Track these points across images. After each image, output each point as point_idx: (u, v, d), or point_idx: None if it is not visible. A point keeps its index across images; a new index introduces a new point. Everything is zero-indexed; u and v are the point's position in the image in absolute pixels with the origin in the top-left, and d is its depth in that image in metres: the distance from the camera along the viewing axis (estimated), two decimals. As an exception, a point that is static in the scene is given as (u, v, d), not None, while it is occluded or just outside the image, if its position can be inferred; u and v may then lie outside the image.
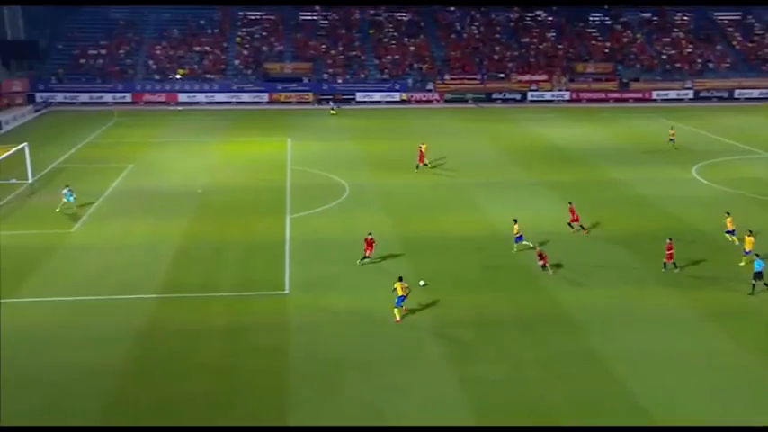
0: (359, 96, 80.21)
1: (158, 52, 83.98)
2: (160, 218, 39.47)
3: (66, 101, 77.57)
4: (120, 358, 25.11)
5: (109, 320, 27.68)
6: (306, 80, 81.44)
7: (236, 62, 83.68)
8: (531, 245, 34.44)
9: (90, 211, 40.66)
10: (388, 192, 44.66)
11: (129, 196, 43.54)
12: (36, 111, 72.33)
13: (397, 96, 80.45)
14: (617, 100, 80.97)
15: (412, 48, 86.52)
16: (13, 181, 45.68)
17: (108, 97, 78.02)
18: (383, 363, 25.12)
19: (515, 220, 35.37)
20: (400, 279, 28.63)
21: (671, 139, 56.74)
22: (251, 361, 25.18)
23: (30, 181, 45.97)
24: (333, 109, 74.44)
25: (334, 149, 55.93)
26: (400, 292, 27.94)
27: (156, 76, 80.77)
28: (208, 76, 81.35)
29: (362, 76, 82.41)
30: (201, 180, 47.07)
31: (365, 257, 32.77)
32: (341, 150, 55.51)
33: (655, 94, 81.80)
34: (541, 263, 32.41)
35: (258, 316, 28.18)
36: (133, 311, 28.38)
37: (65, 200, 40.11)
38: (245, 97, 79.25)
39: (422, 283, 30.44)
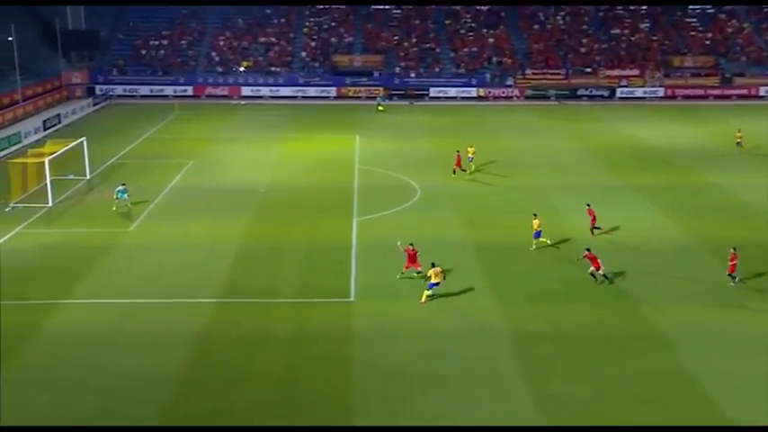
0: (432, 92, 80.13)
1: (221, 43, 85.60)
2: (220, 217, 40.20)
3: (126, 93, 79.87)
4: (177, 364, 25.62)
5: (165, 324, 28.29)
6: (376, 74, 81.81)
7: (303, 54, 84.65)
8: (549, 242, 35.00)
9: (148, 209, 41.69)
10: (462, 194, 44.44)
11: (189, 194, 44.48)
12: (95, 104, 74.64)
13: (473, 92, 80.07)
14: (718, 97, 78.76)
15: (491, 40, 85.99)
16: (71, 177, 47.22)
17: (169, 90, 79.99)
18: (453, 378, 24.97)
19: (535, 215, 35.82)
20: (433, 265, 30.08)
21: (738, 143, 54.78)
22: (313, 371, 25.37)
23: (87, 177, 47.44)
24: (380, 104, 73.85)
25: (405, 148, 56.00)
26: (433, 279, 29.65)
27: (219, 69, 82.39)
28: (273, 68, 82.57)
29: (437, 70, 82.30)
30: (264, 178, 47.76)
31: (405, 273, 31.46)
32: (412, 149, 55.54)
33: (762, 91, 79.16)
34: (593, 268, 31.43)
35: (321, 324, 28.38)
36: (190, 315, 28.92)
37: (117, 197, 41.25)
38: (312, 92, 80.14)
39: (399, 243, 32.14)
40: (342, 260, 34.23)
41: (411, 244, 32.33)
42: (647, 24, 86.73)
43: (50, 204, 41.81)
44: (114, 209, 41.08)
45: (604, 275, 31.70)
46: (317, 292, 31.04)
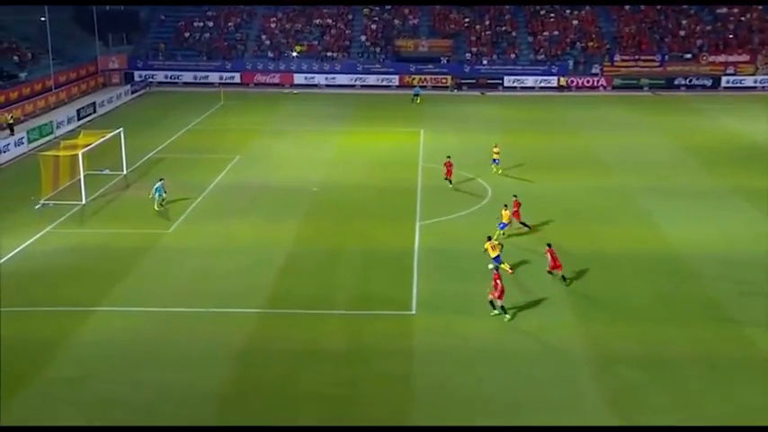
0: (507, 81, 79.82)
1: (273, 25, 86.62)
2: (268, 219, 40.63)
3: (168, 80, 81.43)
4: (217, 380, 25.95)
5: (205, 336, 28.68)
6: (444, 60, 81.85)
7: (363, 38, 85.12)
8: (504, 234, 36.94)
9: (189, 208, 42.37)
10: (539, 196, 44.10)
11: (234, 192, 45.08)
12: (134, 91, 76.24)
13: (553, 81, 79.48)
14: None
15: (575, 22, 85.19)
16: (106, 172, 48.28)
17: (214, 77, 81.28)
18: (526, 405, 24.76)
19: (506, 206, 37.77)
20: (489, 239, 33.82)
21: None
22: (369, 392, 25.44)
23: (124, 173, 48.45)
24: (417, 95, 73.23)
25: (475, 144, 55.82)
26: (492, 253, 32.84)
27: (270, 54, 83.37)
28: (329, 54, 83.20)
29: (513, 56, 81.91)
30: (317, 176, 48.13)
31: (498, 305, 30.17)
32: (483, 145, 55.22)
33: None
34: (550, 267, 32.70)
35: (378, 339, 28.44)
36: (233, 327, 29.27)
37: (154, 194, 42.01)
38: (372, 80, 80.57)
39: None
40: (402, 268, 34.26)
41: (496, 263, 32.52)
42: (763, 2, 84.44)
43: (83, 202, 42.80)
44: (156, 208, 41.86)
45: (563, 276, 32.78)
46: (375, 303, 31.12)
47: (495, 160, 48.48)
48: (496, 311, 30.14)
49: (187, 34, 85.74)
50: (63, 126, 60.59)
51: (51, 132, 58.44)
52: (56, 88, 71.38)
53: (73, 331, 28.82)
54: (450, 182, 44.99)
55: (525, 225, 38.62)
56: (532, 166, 50.22)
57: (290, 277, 33.61)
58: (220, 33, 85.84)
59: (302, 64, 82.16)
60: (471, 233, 38.05)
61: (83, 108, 65.56)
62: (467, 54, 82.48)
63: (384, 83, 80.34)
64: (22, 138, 54.68)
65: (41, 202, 42.56)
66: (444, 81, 79.95)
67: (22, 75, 70.51)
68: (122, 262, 35.04)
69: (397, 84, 79.99)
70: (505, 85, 79.66)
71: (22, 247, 36.60)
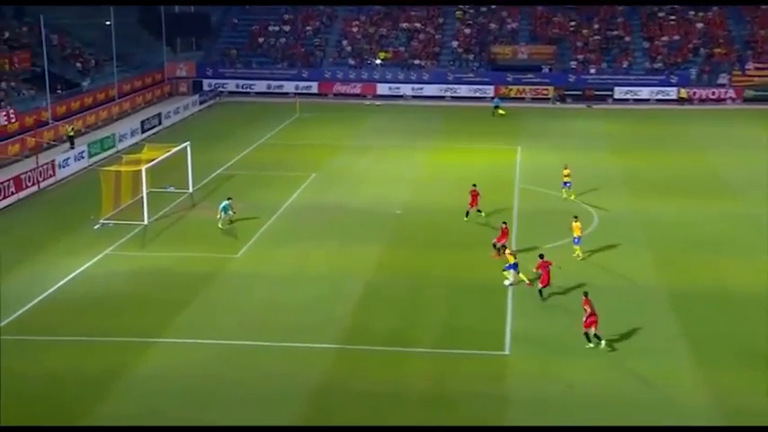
0: (618, 92, 79.08)
1: (355, 29, 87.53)
2: (346, 243, 40.93)
3: (239, 90, 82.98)
4: (287, 422, 26.09)
5: (276, 373, 28.93)
6: (546, 69, 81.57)
7: (454, 44, 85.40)
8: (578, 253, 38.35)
9: (260, 230, 42.96)
10: (654, 222, 43.46)
11: (310, 214, 45.57)
12: (202, 102, 77.87)
13: (672, 93, 78.39)
14: None
15: (699, 24, 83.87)
16: (171, 189, 49.34)
17: (290, 86, 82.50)
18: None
19: (576, 217, 39.68)
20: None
21: None
22: (455, 442, 25.33)
23: (190, 191, 49.45)
24: (497, 107, 72.62)
25: (580, 163, 55.27)
26: (511, 260, 35.35)
27: (351, 61, 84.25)
28: (416, 61, 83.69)
29: (625, 64, 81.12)
30: (401, 197, 48.29)
31: (591, 335, 30.25)
32: (589, 165, 54.80)
33: None
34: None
35: (468, 382, 28.29)
36: (306, 363, 29.48)
37: (220, 214, 42.75)
38: (464, 90, 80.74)
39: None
40: (495, 302, 34.11)
41: (587, 299, 31.17)
42: None
43: (146, 222, 43.82)
44: (221, 226, 42.61)
45: (540, 291, 34.26)
46: (463, 341, 31.01)
47: (566, 183, 47.71)
48: (591, 344, 30.10)
49: (261, 39, 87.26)
50: (126, 139, 62.22)
51: (113, 146, 60.08)
52: (119, 98, 73.43)
53: (132, 364, 29.42)
54: (480, 211, 44.08)
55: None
56: (646, 190, 49.51)
57: (369, 310, 33.76)
58: (297, 38, 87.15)
59: (386, 73, 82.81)
60: (574, 263, 37.68)
61: (147, 120, 67.23)
62: (572, 62, 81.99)
63: (477, 94, 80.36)
64: (83, 151, 56.35)
65: (101, 221, 43.70)
66: (545, 92, 79.62)
67: (85, 83, 72.68)
68: (186, 289, 35.71)
69: (491, 95, 79.89)
70: (616, 96, 78.90)
71: (78, 271, 37.60)
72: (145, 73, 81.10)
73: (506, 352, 30.22)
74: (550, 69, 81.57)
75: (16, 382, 27.97)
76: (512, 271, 35.40)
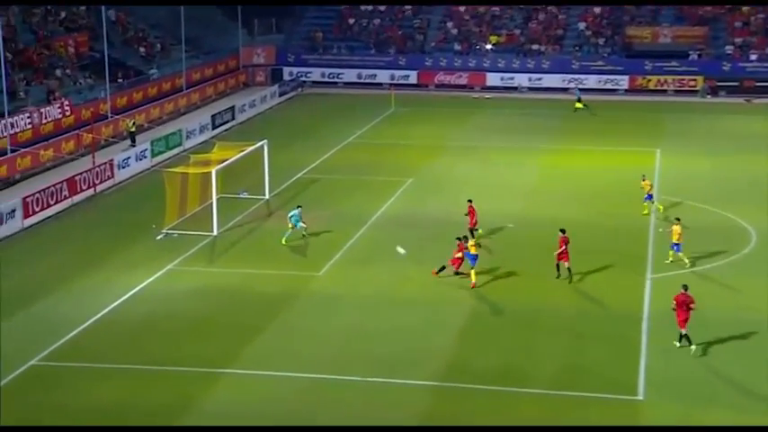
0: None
1: (462, 9, 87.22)
2: (446, 262, 40.69)
3: (325, 79, 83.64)
4: (375, 473, 26.12)
5: (361, 413, 28.90)
6: (694, 55, 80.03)
7: (581, 25, 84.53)
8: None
9: (347, 245, 43.08)
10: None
11: (405, 226, 45.55)
12: (282, 93, 78.68)
13: None
14: None
15: None
16: (244, 195, 49.84)
17: (384, 75, 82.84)
18: None
19: (678, 219, 40.24)
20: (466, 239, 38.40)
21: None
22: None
23: (267, 197, 49.89)
24: (579, 100, 71.85)
25: (734, 170, 54.42)
26: (473, 251, 37.95)
27: (456, 46, 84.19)
28: (534, 47, 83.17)
29: (796, 48, 79.07)
30: (513, 207, 47.93)
31: (683, 334, 31.49)
32: (746, 172, 53.67)
33: None
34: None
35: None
36: (398, 403, 29.39)
37: (290, 225, 43.03)
38: (592, 81, 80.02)
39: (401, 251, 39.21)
40: (626, 336, 33.63)
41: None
42: None
43: (215, 233, 44.35)
44: (284, 242, 42.89)
45: (568, 269, 37.76)
46: (587, 382, 30.59)
47: (649, 196, 46.82)
48: (678, 344, 31.69)
49: (351, 20, 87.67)
50: (194, 136, 63.19)
51: (180, 144, 61.08)
52: (187, 88, 74.56)
53: (197, 398, 29.71)
54: (478, 230, 43.43)
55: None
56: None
57: (472, 341, 33.55)
58: (394, 20, 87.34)
59: (498, 60, 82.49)
60: (724, 293, 36.98)
61: (219, 114, 68.19)
62: (727, 47, 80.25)
63: (608, 86, 79.56)
64: (145, 150, 57.41)
65: (164, 231, 44.36)
66: (693, 83, 78.28)
67: (152, 71, 73.89)
68: (260, 312, 35.97)
69: (626, 87, 78.98)
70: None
71: (138, 288, 38.20)
72: (217, 60, 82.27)
73: (640, 397, 29.72)
74: (699, 56, 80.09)
75: (65, 416, 28.44)
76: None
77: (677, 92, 78.32)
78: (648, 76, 79.28)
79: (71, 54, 69.40)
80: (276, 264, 40.94)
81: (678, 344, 32.20)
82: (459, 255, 38.47)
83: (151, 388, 30.37)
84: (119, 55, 72.48)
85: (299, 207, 43.88)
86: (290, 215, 43.31)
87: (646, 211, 47.03)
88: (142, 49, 76.55)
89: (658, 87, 78.69)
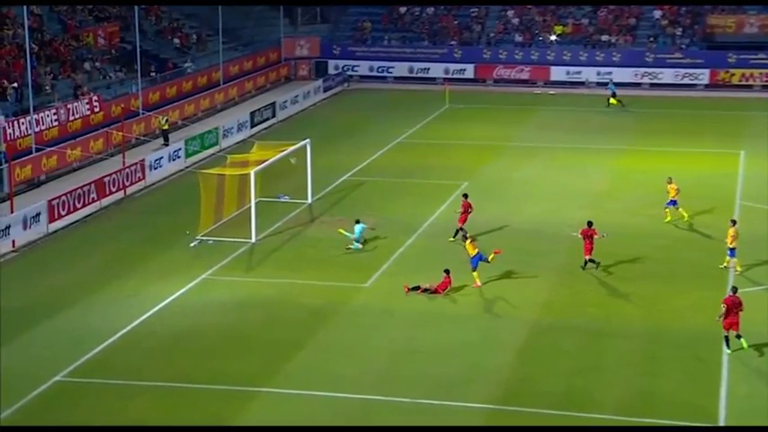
0: None
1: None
2: (504, 275, 40.56)
3: (373, 74, 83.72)
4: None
5: (410, 438, 28.87)
6: (786, 48, 79.09)
7: (657, 14, 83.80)
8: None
9: (395, 254, 43.07)
10: None
11: (459, 234, 45.36)
12: (327, 88, 78.86)
13: None
14: None
15: None
16: (285, 199, 49.97)
17: (437, 69, 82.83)
18: None
19: (734, 221, 41.06)
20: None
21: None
22: None
23: (309, 201, 49.97)
24: (614, 95, 71.27)
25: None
26: (471, 252, 38.74)
27: (517, 37, 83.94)
28: (604, 37, 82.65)
29: None
30: (579, 215, 47.48)
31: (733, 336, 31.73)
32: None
33: None
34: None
35: (663, 463, 27.76)
36: (450, 427, 29.24)
37: (353, 235, 43.05)
38: (668, 76, 79.51)
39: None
40: (705, 359, 33.33)
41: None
42: None
43: (253, 240, 44.49)
44: (349, 248, 42.86)
45: (592, 260, 40.32)
46: (660, 407, 30.31)
47: (671, 202, 46.19)
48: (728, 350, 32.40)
49: (403, 9, 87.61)
50: (231, 134, 63.51)
51: (216, 143, 61.38)
52: (225, 83, 74.90)
53: (231, 418, 29.73)
54: (460, 230, 43.78)
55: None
56: None
57: (533, 361, 33.40)
58: (449, 8, 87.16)
59: (563, 52, 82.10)
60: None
61: (258, 110, 68.48)
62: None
63: (686, 80, 78.93)
64: (179, 150, 57.77)
65: (198, 237, 44.56)
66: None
67: (187, 65, 74.26)
68: (301, 326, 36.01)
69: (706, 82, 78.34)
70: None
71: (170, 299, 38.39)
72: (257, 52, 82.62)
73: (720, 425, 29.44)
74: (794, 46, 79.14)
75: (90, 436, 28.67)
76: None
77: (764, 87, 77.47)
78: (732, 70, 78.57)
79: (101, 46, 70.01)
80: (319, 274, 40.97)
81: (729, 350, 32.82)
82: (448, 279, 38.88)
83: (182, 407, 30.46)
84: (151, 47, 73.01)
85: (357, 221, 43.59)
86: (358, 230, 43.17)
87: (668, 219, 46.64)
88: (177, 41, 77.06)
89: (743, 82, 77.96)
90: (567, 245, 43.72)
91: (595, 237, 40.43)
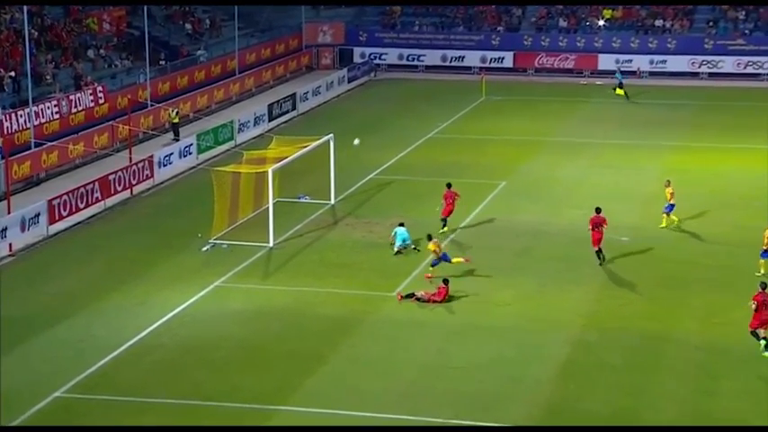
0: None
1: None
2: (546, 282, 40.65)
3: (403, 62, 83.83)
4: None
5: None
6: None
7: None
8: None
9: (427, 259, 42.83)
10: None
11: (494, 238, 45.69)
12: (352, 78, 78.93)
13: None
14: None
15: None
16: (305, 199, 50.19)
17: (473, 58, 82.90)
18: None
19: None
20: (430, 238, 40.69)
21: None
22: None
23: (332, 202, 50.14)
24: (620, 85, 71.68)
25: None
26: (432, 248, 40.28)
27: (562, 22, 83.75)
28: (657, 22, 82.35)
29: None
30: (628, 218, 47.54)
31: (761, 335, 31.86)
32: None
33: None
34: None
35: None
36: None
37: (396, 243, 43.17)
38: (729, 64, 79.47)
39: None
40: (765, 375, 33.12)
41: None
42: None
43: (270, 244, 44.66)
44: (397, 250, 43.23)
45: (599, 252, 41.36)
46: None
47: (669, 206, 46.15)
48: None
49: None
50: (247, 129, 63.72)
51: (231, 138, 61.62)
52: (240, 72, 75.06)
53: (247, 439, 29.91)
54: (445, 223, 45.29)
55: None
56: None
57: (576, 378, 33.39)
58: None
59: (612, 39, 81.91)
60: None
61: (277, 102, 68.62)
62: None
63: (749, 70, 78.61)
64: (190, 145, 57.96)
65: (211, 241, 44.75)
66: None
67: (200, 52, 74.47)
68: (322, 338, 36.09)
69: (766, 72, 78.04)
70: None
71: (180, 308, 38.52)
72: (275, 38, 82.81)
73: (781, 448, 29.45)
74: None
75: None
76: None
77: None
78: (797, 58, 78.42)
79: (106, 31, 70.27)
80: (342, 281, 41.10)
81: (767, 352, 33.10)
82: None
83: (192, 426, 30.46)
84: (161, 33, 73.35)
85: (401, 224, 43.76)
86: (402, 238, 43.34)
87: (663, 224, 46.65)
88: (188, 26, 77.33)
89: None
90: (613, 252, 43.70)
91: (604, 227, 40.91)
